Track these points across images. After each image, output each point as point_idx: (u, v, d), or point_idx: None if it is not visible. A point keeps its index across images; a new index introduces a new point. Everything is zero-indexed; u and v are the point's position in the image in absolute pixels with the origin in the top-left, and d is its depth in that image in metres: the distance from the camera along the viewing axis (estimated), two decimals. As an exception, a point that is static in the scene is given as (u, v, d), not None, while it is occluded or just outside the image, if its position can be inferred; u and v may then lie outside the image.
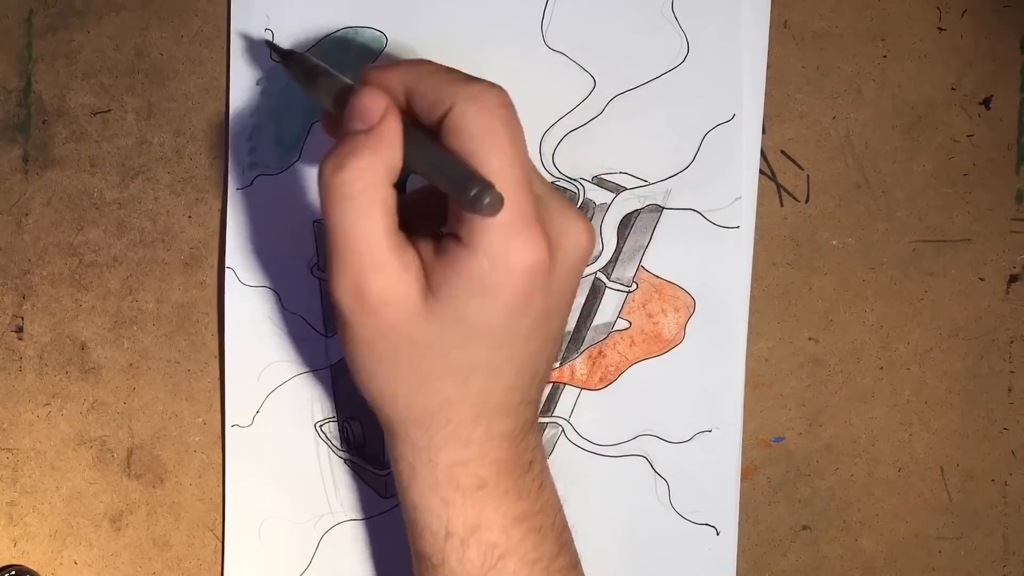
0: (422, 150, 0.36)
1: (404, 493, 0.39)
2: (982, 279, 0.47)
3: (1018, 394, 0.47)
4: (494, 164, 0.35)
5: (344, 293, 0.36)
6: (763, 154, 0.47)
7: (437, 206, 0.38)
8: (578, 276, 0.38)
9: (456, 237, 0.36)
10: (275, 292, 0.47)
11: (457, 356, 0.37)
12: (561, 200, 0.38)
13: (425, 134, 0.36)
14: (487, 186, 0.34)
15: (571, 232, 0.37)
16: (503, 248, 0.35)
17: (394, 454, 0.39)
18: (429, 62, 0.37)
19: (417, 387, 0.37)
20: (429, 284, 0.36)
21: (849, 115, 0.47)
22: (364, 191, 0.35)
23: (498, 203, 0.34)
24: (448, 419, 0.37)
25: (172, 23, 0.47)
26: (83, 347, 0.47)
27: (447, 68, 0.37)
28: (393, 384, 0.38)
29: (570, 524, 0.46)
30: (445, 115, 0.35)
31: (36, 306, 0.47)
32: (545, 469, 0.40)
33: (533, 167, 0.38)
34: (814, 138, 0.47)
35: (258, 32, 0.46)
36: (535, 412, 0.40)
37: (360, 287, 0.36)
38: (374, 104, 0.36)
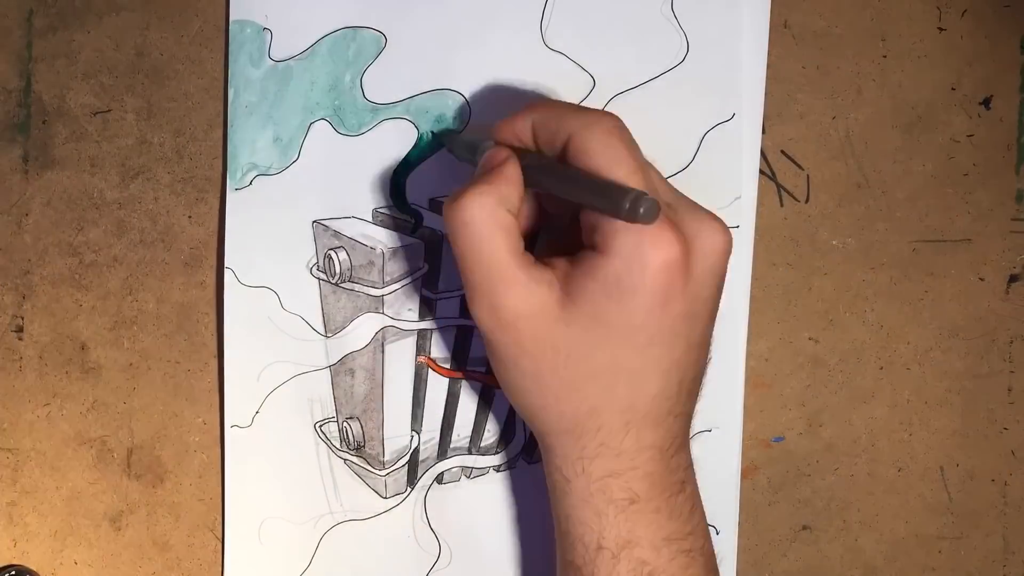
0: (568, 179, 0.38)
1: (557, 504, 0.40)
2: (982, 279, 0.47)
3: (1018, 394, 0.47)
4: (619, 174, 0.37)
5: (482, 314, 0.38)
6: (763, 154, 0.47)
7: (570, 237, 0.40)
8: (720, 279, 0.39)
9: (590, 247, 0.37)
10: (274, 292, 0.47)
11: (600, 359, 0.37)
12: (692, 204, 0.39)
13: (567, 167, 0.38)
14: (641, 194, 0.35)
15: (705, 232, 0.38)
16: (637, 249, 0.36)
17: (549, 468, 0.40)
18: (547, 101, 0.40)
19: (565, 395, 0.38)
20: (566, 292, 0.37)
21: (849, 115, 0.47)
22: (481, 217, 0.37)
23: (655, 209, 0.35)
24: (598, 427, 0.38)
25: (172, 23, 0.47)
26: (83, 347, 0.47)
27: (563, 103, 0.40)
28: (542, 396, 0.39)
29: None
30: (567, 144, 0.38)
31: (36, 306, 0.47)
32: (696, 493, 0.40)
33: (659, 175, 0.40)
34: (814, 138, 0.47)
35: (257, 31, 0.46)
36: (685, 428, 0.40)
37: (494, 305, 0.38)
38: (496, 155, 0.39)
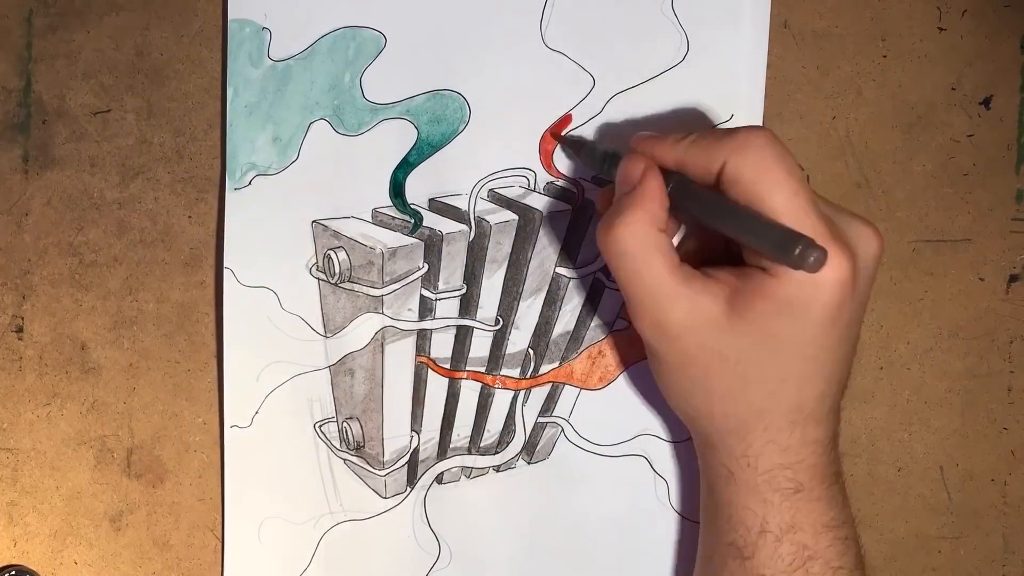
0: (720, 210, 0.38)
1: (718, 494, 0.42)
2: (982, 279, 0.47)
3: (1018, 394, 0.47)
4: (779, 200, 0.37)
5: (647, 329, 0.40)
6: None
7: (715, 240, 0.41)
8: (874, 279, 0.40)
9: (754, 265, 0.38)
10: (274, 293, 0.47)
11: (768, 369, 0.39)
12: (844, 211, 0.40)
13: (717, 195, 0.38)
14: (810, 243, 0.35)
15: (863, 239, 0.39)
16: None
17: (710, 461, 0.42)
18: (690, 132, 0.40)
19: (731, 401, 0.40)
20: (733, 305, 0.38)
21: (849, 115, 0.47)
22: (635, 243, 0.39)
23: (822, 259, 0.36)
24: (765, 427, 0.40)
25: (172, 23, 0.47)
26: (83, 347, 0.47)
27: (708, 131, 0.40)
28: (709, 401, 0.40)
29: (570, 523, 0.46)
30: (720, 172, 0.38)
31: (36, 306, 0.47)
32: (845, 483, 0.42)
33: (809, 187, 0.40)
34: (814, 138, 0.47)
35: (256, 30, 0.46)
36: (839, 420, 0.41)
37: (659, 321, 0.39)
38: (635, 167, 0.40)
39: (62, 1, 0.47)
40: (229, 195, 0.46)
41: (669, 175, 0.40)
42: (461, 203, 0.46)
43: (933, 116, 0.47)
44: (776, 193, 0.37)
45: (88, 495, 0.48)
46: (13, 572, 0.47)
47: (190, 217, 0.47)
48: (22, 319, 0.47)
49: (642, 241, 0.39)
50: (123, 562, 0.48)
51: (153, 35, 0.47)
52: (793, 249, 0.35)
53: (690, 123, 0.46)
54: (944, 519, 0.47)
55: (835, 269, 0.37)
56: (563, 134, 0.46)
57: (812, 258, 0.35)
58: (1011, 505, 0.48)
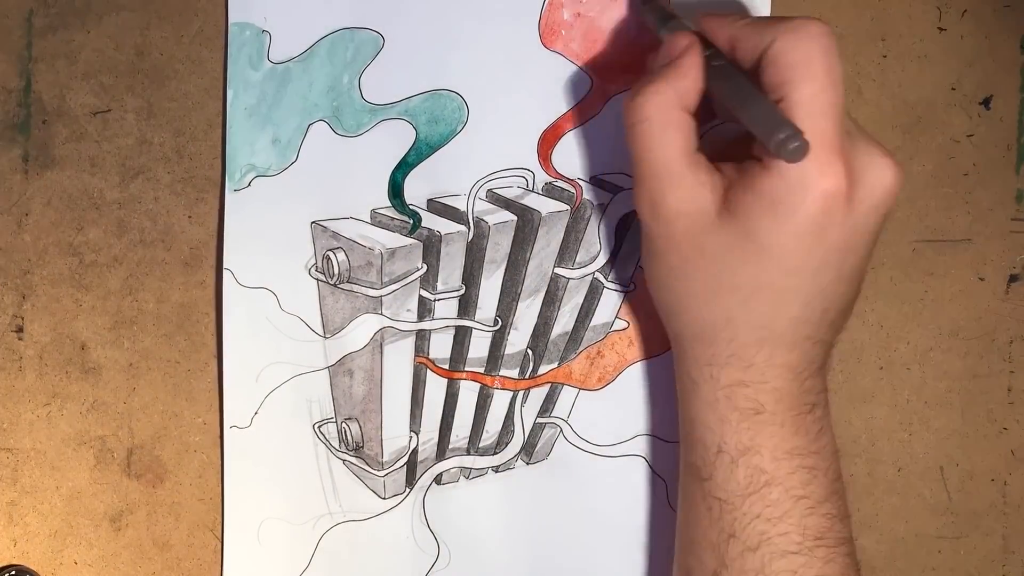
0: (738, 90, 0.37)
1: (683, 407, 0.41)
2: (982, 279, 0.47)
3: (1018, 394, 0.47)
4: (806, 91, 0.36)
5: (643, 206, 0.39)
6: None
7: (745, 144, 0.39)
8: (881, 217, 0.38)
9: (757, 159, 0.37)
10: (273, 293, 0.47)
11: (744, 273, 0.38)
12: (869, 138, 0.38)
13: (744, 77, 0.38)
14: (795, 133, 0.35)
15: (875, 167, 0.37)
16: (800, 172, 0.36)
17: (679, 370, 0.41)
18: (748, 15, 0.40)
19: (703, 301, 0.39)
20: (726, 201, 0.38)
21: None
22: (657, 113, 0.38)
23: (802, 151, 0.35)
24: (731, 338, 0.39)
25: (172, 23, 0.47)
26: (83, 347, 0.47)
27: (768, 16, 0.39)
28: (684, 297, 0.40)
29: (569, 524, 0.46)
30: (766, 51, 0.37)
31: (36, 306, 0.47)
32: (828, 417, 0.40)
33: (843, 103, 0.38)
34: (814, 138, 0.47)
35: (256, 33, 0.46)
36: (824, 354, 0.40)
37: (656, 200, 0.38)
38: (679, 42, 0.39)
39: (62, 1, 0.47)
40: (229, 196, 0.46)
41: (708, 49, 0.39)
42: (460, 203, 0.46)
43: (933, 116, 0.47)
44: (805, 84, 0.36)
45: (88, 495, 0.48)
46: (13, 572, 0.47)
47: (190, 217, 0.47)
48: (22, 319, 0.47)
49: (664, 114, 0.38)
50: (123, 562, 0.48)
51: (153, 35, 0.47)
52: (777, 133, 0.35)
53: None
54: (944, 519, 0.47)
55: (825, 179, 0.36)
56: None
57: (792, 146, 0.34)
58: (1011, 505, 0.48)
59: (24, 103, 0.47)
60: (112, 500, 0.48)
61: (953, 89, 0.47)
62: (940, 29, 0.47)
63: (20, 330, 0.47)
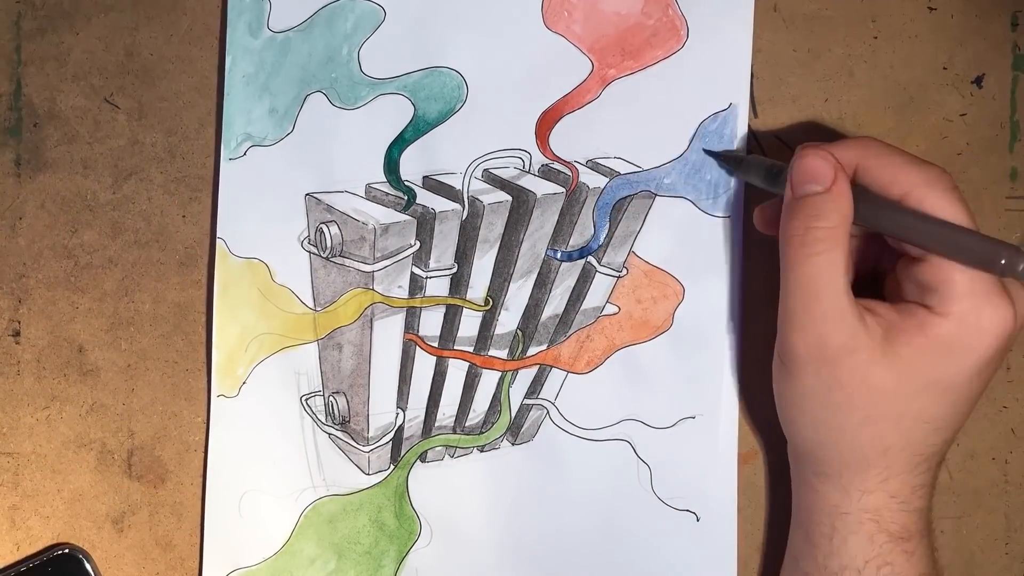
0: (919, 222, 0.38)
1: (819, 521, 0.41)
2: (978, 258, 0.47)
3: (1017, 372, 0.47)
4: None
5: (805, 345, 0.39)
6: (756, 139, 0.46)
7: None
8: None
9: (916, 302, 0.39)
10: (265, 264, 0.47)
11: (910, 406, 0.39)
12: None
13: (910, 208, 0.38)
14: (1017, 251, 0.36)
15: (1020, 299, 0.39)
16: (976, 315, 0.37)
17: (818, 488, 0.41)
18: (873, 141, 0.40)
19: (863, 431, 0.39)
20: (889, 340, 0.38)
21: (841, 97, 0.47)
22: (831, 248, 0.38)
23: None
24: (886, 465, 0.40)
25: (161, 22, 0.47)
26: (81, 349, 0.47)
27: (893, 149, 0.40)
28: (839, 429, 0.40)
29: (552, 506, 0.46)
30: (901, 199, 0.38)
31: (32, 309, 0.47)
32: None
33: None
34: (807, 121, 0.47)
35: (256, 1, 0.46)
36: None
37: (824, 338, 0.38)
38: (826, 165, 0.39)
39: (50, 3, 0.47)
40: (223, 165, 0.46)
41: (853, 186, 0.39)
42: (455, 182, 0.46)
43: (925, 96, 0.47)
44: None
45: (90, 497, 0.48)
46: (67, 550, 0.46)
47: (184, 216, 0.47)
48: (19, 323, 0.47)
49: (840, 248, 0.38)
50: (127, 563, 0.48)
51: (142, 35, 0.47)
52: (1000, 257, 0.36)
53: (687, 111, 0.46)
54: (946, 498, 0.47)
55: (1001, 320, 0.37)
56: (717, 152, 0.45)
57: (1022, 266, 0.35)
58: (1012, 483, 0.48)
59: (15, 107, 0.47)
60: (114, 502, 0.48)
61: (945, 68, 0.47)
62: (930, 8, 0.47)
63: (17, 334, 0.47)
